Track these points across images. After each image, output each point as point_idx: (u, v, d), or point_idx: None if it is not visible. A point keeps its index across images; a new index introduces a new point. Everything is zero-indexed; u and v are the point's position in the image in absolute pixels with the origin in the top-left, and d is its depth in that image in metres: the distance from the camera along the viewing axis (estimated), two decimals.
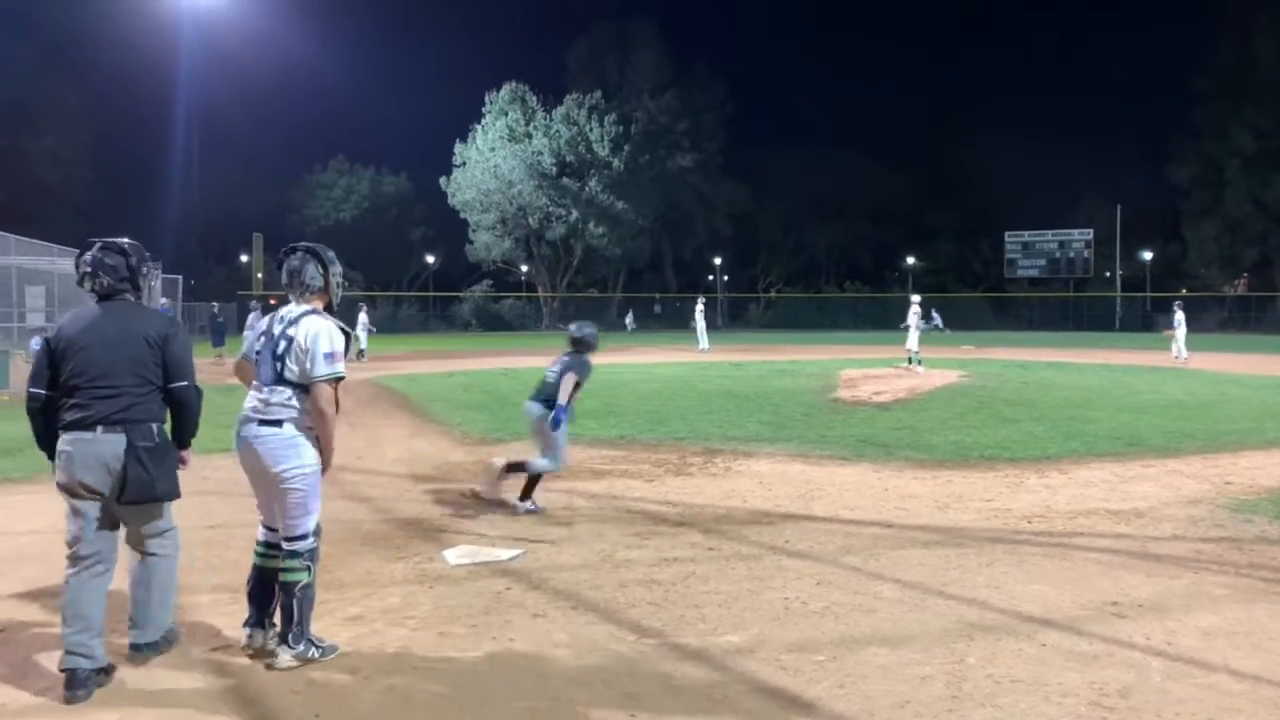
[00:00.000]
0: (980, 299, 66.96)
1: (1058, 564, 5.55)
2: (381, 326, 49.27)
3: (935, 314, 25.74)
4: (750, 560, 5.61)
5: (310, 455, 4.03)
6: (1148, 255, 66.58)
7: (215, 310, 32.82)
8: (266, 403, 4.01)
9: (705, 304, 34.49)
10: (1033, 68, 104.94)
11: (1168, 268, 67.97)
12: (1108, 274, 67.39)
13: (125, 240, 4.04)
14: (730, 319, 70.20)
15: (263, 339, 4.10)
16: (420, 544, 6.02)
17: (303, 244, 4.27)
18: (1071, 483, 8.13)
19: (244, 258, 62.63)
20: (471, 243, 62.75)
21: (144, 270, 4.07)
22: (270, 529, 4.17)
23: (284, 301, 4.25)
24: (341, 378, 4.06)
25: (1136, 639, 4.27)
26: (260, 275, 52.57)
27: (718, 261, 71.77)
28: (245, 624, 4.17)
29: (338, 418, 4.11)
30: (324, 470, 4.13)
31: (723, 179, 70.00)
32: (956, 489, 7.86)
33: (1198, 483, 8.05)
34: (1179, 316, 25.73)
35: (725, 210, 69.65)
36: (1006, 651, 4.13)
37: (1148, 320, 62.17)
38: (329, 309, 4.19)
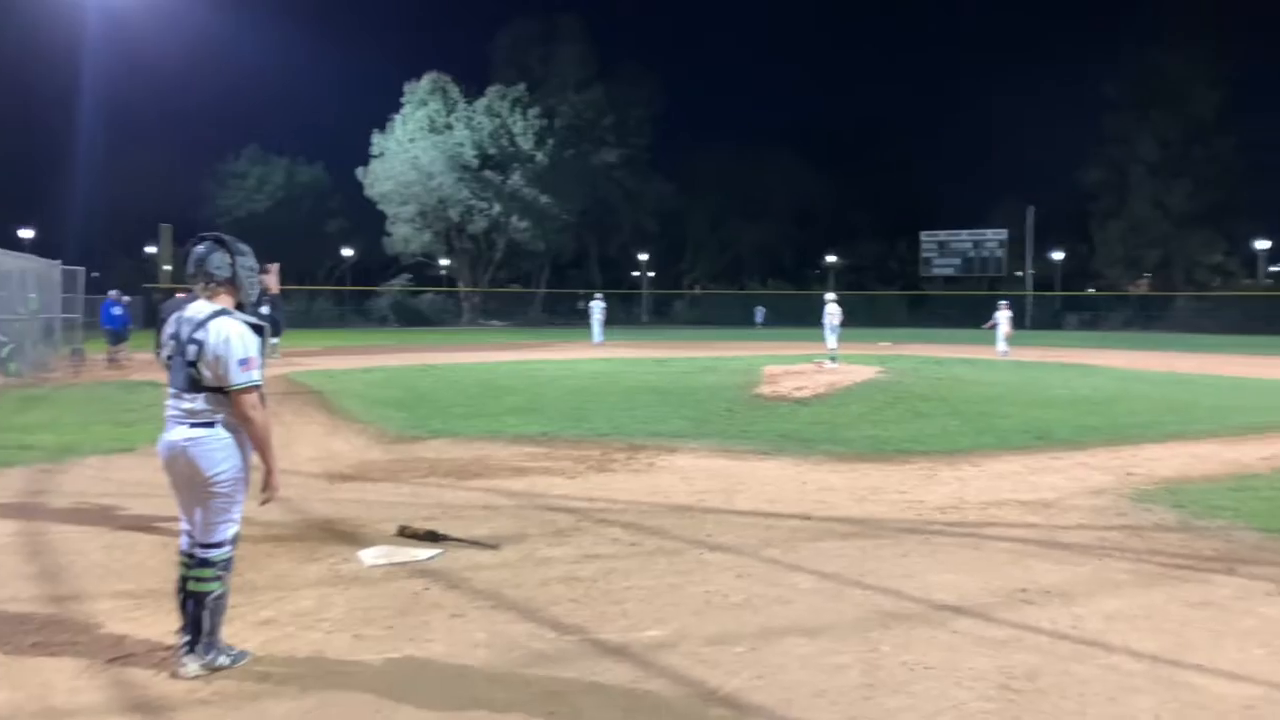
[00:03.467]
0: (897, 297, 68.53)
1: (969, 553, 5.70)
2: (296, 321, 48.11)
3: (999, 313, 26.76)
4: (672, 555, 5.63)
5: (240, 458, 3.86)
6: (1058, 255, 69.05)
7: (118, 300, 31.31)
8: (191, 410, 3.80)
9: (604, 299, 36.37)
10: (953, 72, 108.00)
11: (1076, 268, 70.61)
12: (1020, 273, 69.66)
13: None
14: (656, 315, 70.46)
15: (171, 343, 3.87)
16: (335, 545, 5.88)
17: (211, 233, 4.07)
18: (983, 475, 8.36)
19: (151, 249, 60.40)
20: (389, 235, 61.30)
21: None
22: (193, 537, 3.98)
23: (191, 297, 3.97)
24: (258, 385, 3.83)
25: (1044, 624, 4.41)
26: (169, 267, 50.74)
27: (644, 258, 71.94)
28: (179, 631, 3.95)
29: (269, 417, 3.94)
30: (271, 478, 3.93)
31: (649, 175, 70.12)
32: (873, 482, 8.02)
33: (1102, 474, 8.36)
34: (1002, 314, 27.54)
35: (652, 207, 69.79)
36: (920, 639, 4.22)
37: (1058, 318, 64.58)
38: (240, 306, 3.96)
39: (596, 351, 28.94)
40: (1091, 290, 68.82)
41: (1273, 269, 66.42)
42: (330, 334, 44.45)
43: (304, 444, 10.15)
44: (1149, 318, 62.60)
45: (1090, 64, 77.43)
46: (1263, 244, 60.58)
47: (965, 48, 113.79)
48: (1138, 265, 65.90)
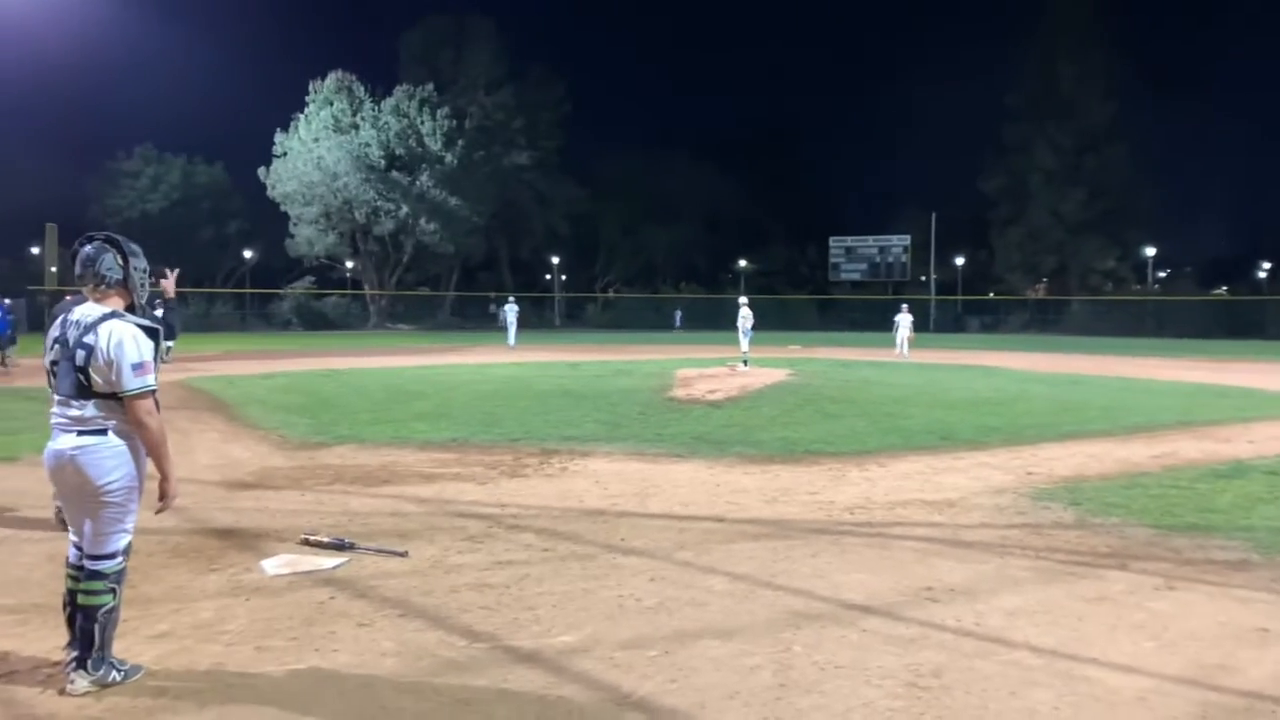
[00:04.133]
0: (808, 301, 69.92)
1: (877, 552, 5.81)
2: (194, 324, 46.40)
3: None
4: (585, 560, 5.58)
5: (133, 466, 3.68)
6: (960, 261, 71.46)
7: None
8: (80, 417, 3.61)
9: (517, 303, 37.17)
10: (861, 82, 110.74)
11: (977, 272, 73.23)
12: (923, 278, 71.84)
13: None
14: (569, 319, 70.26)
15: (56, 347, 3.66)
16: (236, 554, 5.66)
17: (101, 233, 3.86)
18: (889, 475, 8.55)
19: (35, 250, 57.41)
20: (293, 237, 59.52)
21: None
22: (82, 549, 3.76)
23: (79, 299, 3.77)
24: (153, 390, 3.67)
25: (949, 621, 4.52)
26: (54, 269, 48.29)
27: (555, 261, 71.62)
28: (66, 646, 3.76)
29: (165, 423, 3.77)
30: (168, 486, 3.76)
31: (561, 178, 69.91)
32: (784, 483, 8.12)
33: (1003, 473, 8.64)
34: (904, 319, 29.10)
35: (563, 210, 69.57)
36: (830, 638, 4.28)
37: (960, 322, 66.82)
38: (131, 309, 3.77)
39: (508, 355, 28.69)
40: (992, 294, 71.52)
41: (1160, 274, 70.07)
42: (230, 338, 43.00)
43: (202, 451, 9.77)
44: (1046, 321, 65.39)
45: (992, 76, 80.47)
46: (1151, 250, 63.79)
47: (872, 58, 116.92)
48: (1035, 271, 68.75)
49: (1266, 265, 69.69)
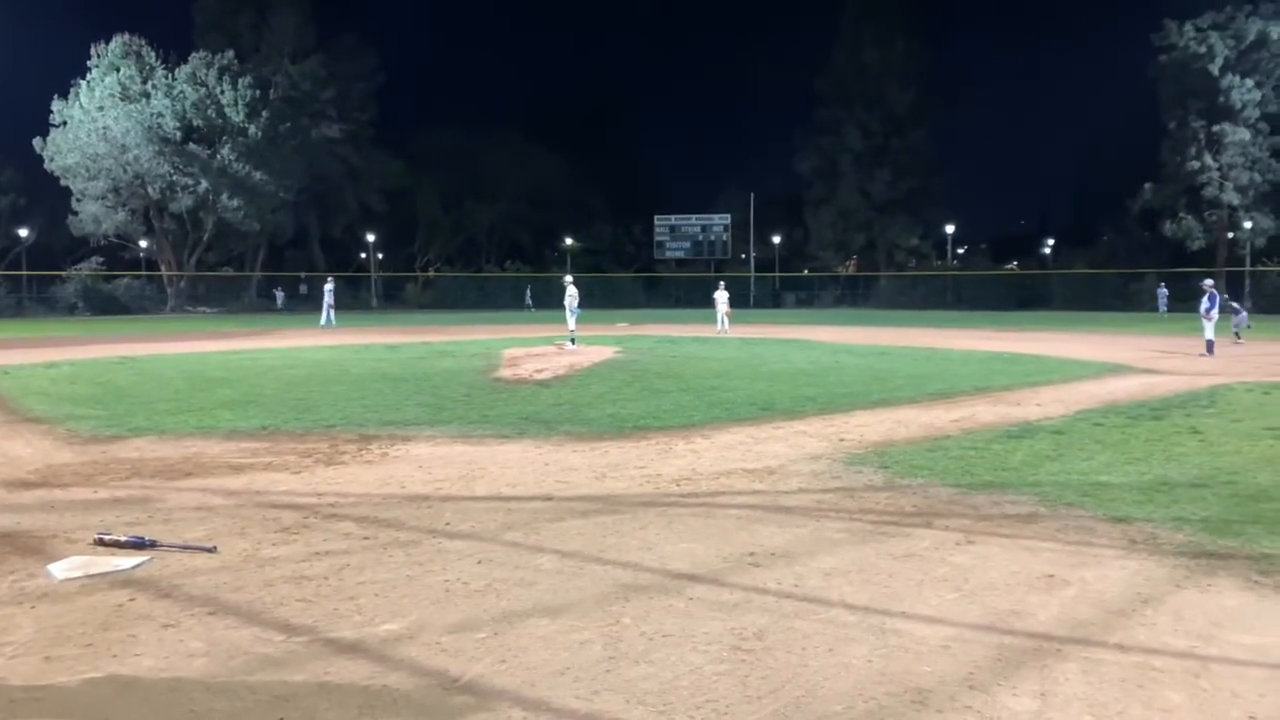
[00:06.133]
0: (633, 279, 70.80)
1: (703, 522, 5.94)
2: None
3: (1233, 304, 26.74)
4: (409, 546, 5.42)
5: None
6: (777, 239, 74.21)
7: None
8: None
9: (334, 282, 36.47)
10: (680, 62, 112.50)
11: (793, 250, 76.38)
12: (743, 255, 74.19)
13: None
14: (387, 299, 68.06)
15: None
16: (17, 559, 5.14)
17: None
18: (714, 446, 8.78)
19: None
20: (76, 214, 54.40)
21: None
22: None
23: None
24: None
25: (770, 585, 4.67)
26: None
27: (372, 239, 69.08)
28: None
29: None
30: None
31: (374, 152, 67.45)
32: (613, 459, 8.17)
33: (818, 441, 9.04)
34: (719, 296, 30.41)
35: (378, 185, 67.15)
36: (658, 608, 4.33)
37: (778, 298, 69.55)
38: None
39: (321, 338, 27.50)
40: (806, 271, 74.80)
41: (959, 251, 75.24)
42: (5, 325, 39.11)
43: None
44: (856, 296, 69.18)
45: (806, 61, 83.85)
46: (950, 228, 68.44)
47: (692, 39, 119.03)
48: (846, 248, 72.41)
49: (1051, 242, 76.29)
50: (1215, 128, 52.87)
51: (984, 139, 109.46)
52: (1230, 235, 55.63)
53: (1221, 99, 52.57)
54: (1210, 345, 19.93)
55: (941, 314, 48.09)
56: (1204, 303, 20.72)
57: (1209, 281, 22.22)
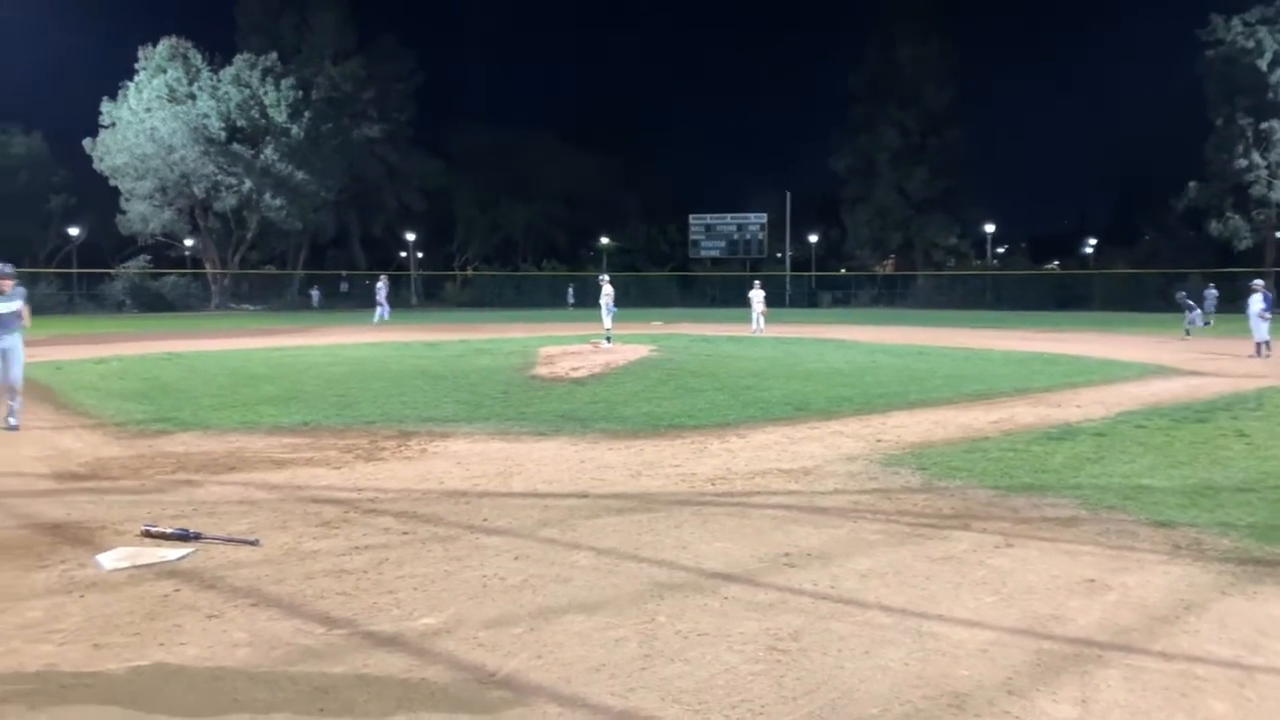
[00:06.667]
0: (668, 277, 70.77)
1: (738, 521, 5.93)
2: None
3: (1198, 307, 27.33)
4: (447, 541, 5.47)
5: None
6: (813, 238, 73.78)
7: None
8: None
9: (387, 280, 37.40)
10: (714, 61, 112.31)
11: (830, 249, 75.90)
12: (779, 254, 73.81)
13: None
14: (426, 297, 68.66)
15: None
16: (69, 549, 5.28)
17: None
18: (749, 446, 8.76)
19: None
20: (124, 213, 55.30)
21: None
22: None
23: None
24: None
25: (805, 585, 4.66)
26: None
27: (410, 237, 69.75)
28: None
29: None
30: None
31: (413, 152, 68.03)
32: (648, 457, 8.19)
33: (855, 441, 8.98)
34: (756, 294, 30.22)
35: (417, 184, 67.75)
36: (693, 607, 4.34)
37: (814, 297, 69.16)
38: None
39: (364, 335, 27.83)
40: (843, 270, 74.27)
41: (999, 250, 74.36)
42: (57, 321, 39.98)
43: (27, 442, 9.06)
44: (893, 295, 68.56)
45: (840, 59, 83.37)
46: (990, 227, 67.63)
47: (727, 38, 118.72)
48: (883, 247, 71.78)
49: (1093, 242, 75.11)
50: (1264, 125, 51.61)
51: (1023, 137, 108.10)
52: (1279, 234, 54.35)
53: (1270, 95, 51.29)
54: (1261, 347, 19.49)
55: (980, 314, 47.51)
56: (1258, 303, 20.26)
57: (1259, 282, 21.68)
